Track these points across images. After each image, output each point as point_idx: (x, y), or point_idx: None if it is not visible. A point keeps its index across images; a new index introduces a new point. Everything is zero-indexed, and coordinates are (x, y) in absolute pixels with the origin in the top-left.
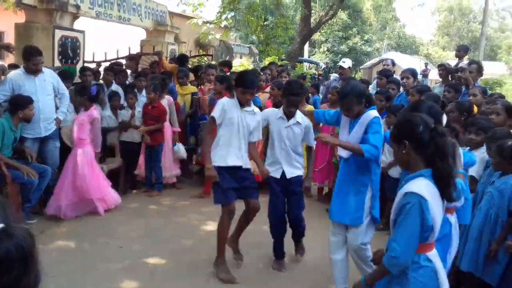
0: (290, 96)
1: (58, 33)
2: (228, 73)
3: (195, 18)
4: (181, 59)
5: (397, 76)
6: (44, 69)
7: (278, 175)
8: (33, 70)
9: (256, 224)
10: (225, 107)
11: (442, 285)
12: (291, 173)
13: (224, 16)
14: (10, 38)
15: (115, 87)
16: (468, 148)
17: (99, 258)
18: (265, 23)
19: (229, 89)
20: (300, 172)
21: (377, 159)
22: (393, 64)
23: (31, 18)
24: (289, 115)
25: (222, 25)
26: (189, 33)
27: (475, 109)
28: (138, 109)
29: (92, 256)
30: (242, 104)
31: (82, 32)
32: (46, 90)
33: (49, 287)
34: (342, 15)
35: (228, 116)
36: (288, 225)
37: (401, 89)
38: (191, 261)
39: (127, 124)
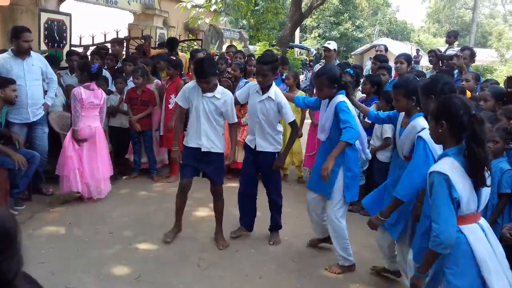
0: (257, 63)
1: (44, 16)
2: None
3: (184, 1)
4: (171, 43)
5: (390, 62)
6: (32, 53)
7: (252, 146)
8: (25, 48)
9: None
10: (186, 94)
11: (479, 258)
12: (261, 146)
13: (213, 0)
14: None
15: (103, 71)
16: None
17: (90, 244)
18: (256, 7)
19: (181, 75)
20: (272, 148)
21: (358, 138)
22: (386, 50)
23: (16, 0)
24: (261, 87)
25: (212, 9)
26: (178, 17)
27: (468, 94)
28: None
29: (82, 242)
30: (202, 91)
31: (69, 15)
32: (34, 74)
33: (39, 273)
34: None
35: (192, 102)
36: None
37: (393, 74)
38: (182, 247)
39: (115, 109)
